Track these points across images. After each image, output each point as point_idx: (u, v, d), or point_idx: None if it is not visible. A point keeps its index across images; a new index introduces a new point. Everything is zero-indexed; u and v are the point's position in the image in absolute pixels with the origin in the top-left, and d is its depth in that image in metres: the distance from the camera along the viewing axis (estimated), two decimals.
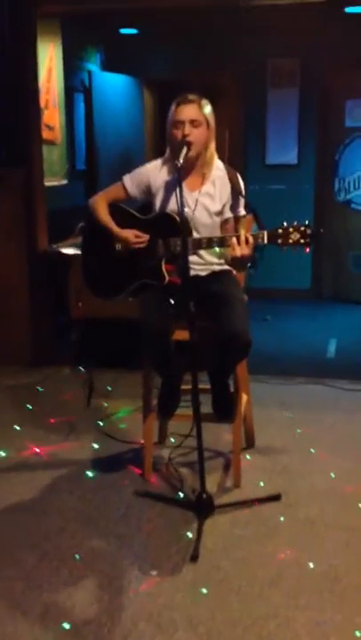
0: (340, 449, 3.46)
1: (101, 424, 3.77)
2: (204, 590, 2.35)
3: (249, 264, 3.05)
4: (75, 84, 6.08)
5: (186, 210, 2.90)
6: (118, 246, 3.03)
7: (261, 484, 3.09)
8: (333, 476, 3.17)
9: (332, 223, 6.74)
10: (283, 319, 6.19)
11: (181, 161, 2.78)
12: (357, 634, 2.14)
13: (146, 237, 2.98)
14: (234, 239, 2.77)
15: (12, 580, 2.43)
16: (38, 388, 4.37)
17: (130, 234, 2.99)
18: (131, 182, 3.05)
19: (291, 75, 6.53)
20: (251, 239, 2.76)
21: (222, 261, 3.05)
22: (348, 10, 5.46)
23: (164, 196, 2.99)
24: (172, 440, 3.42)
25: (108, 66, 6.74)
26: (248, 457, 3.33)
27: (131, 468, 3.25)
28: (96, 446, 3.51)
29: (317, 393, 4.29)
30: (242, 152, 6.86)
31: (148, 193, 3.03)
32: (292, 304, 6.64)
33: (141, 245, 2.98)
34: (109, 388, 4.28)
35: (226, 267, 3.06)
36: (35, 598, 2.32)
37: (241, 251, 2.77)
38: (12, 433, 3.69)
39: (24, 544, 2.64)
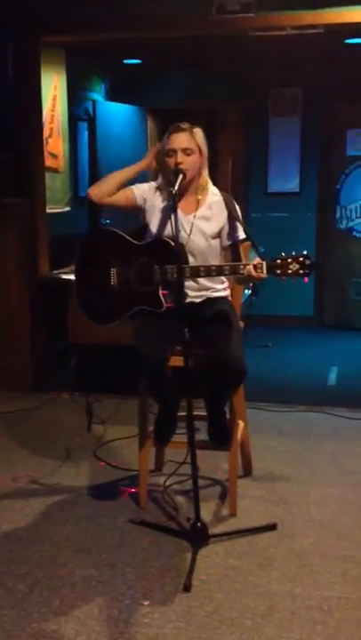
0: (339, 478, 3.43)
1: (98, 450, 3.75)
2: (196, 621, 2.31)
3: (249, 291, 3.05)
4: (79, 112, 6.16)
5: (182, 233, 2.92)
6: (113, 281, 3.02)
7: (257, 513, 3.06)
8: (331, 506, 3.14)
9: (334, 251, 6.76)
10: (284, 346, 6.18)
11: (176, 188, 2.80)
12: None
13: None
14: (249, 267, 2.78)
15: (2, 608, 2.40)
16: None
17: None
18: (138, 190, 3.07)
19: (293, 104, 6.62)
20: (254, 272, 2.77)
21: (218, 287, 3.05)
22: (349, 41, 5.54)
23: (160, 222, 3.00)
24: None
25: (112, 95, 6.83)
26: (246, 484, 3.30)
27: (126, 496, 3.22)
28: (92, 473, 3.49)
29: (317, 421, 4.26)
30: (244, 180, 6.92)
31: (143, 206, 3.04)
32: (294, 331, 6.64)
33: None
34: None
35: (222, 293, 3.06)
36: (24, 627, 2.29)
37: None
38: (8, 459, 3.68)
39: (15, 572, 2.61)
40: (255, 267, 2.77)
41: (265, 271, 2.77)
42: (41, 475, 3.47)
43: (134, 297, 2.98)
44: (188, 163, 2.90)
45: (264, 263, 2.78)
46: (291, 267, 2.77)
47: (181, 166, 2.88)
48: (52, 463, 3.60)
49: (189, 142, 2.91)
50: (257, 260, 2.79)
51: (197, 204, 3.00)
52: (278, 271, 2.78)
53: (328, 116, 6.62)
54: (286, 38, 4.64)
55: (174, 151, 2.90)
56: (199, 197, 3.00)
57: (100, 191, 3.06)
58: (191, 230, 2.96)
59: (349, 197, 6.70)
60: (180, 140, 2.90)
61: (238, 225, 3.00)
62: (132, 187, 3.10)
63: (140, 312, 2.98)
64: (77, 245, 3.15)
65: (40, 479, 3.42)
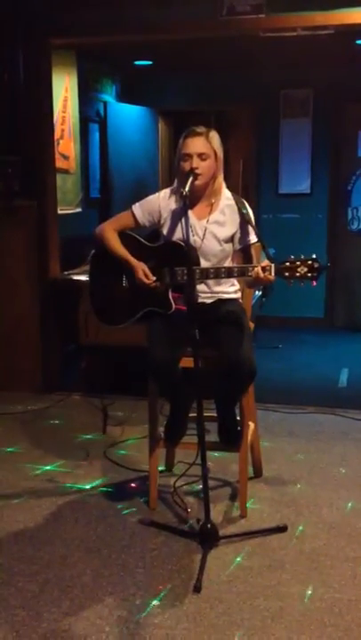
0: (350, 480, 3.42)
1: (108, 451, 3.76)
2: (206, 622, 2.31)
3: (260, 292, 3.04)
4: (90, 114, 6.18)
5: (195, 238, 2.92)
6: (125, 283, 3.03)
7: (268, 514, 3.06)
8: (341, 507, 3.13)
9: (345, 252, 6.74)
10: (295, 348, 6.17)
11: (187, 189, 2.79)
12: None
13: (152, 280, 2.96)
14: (257, 269, 2.77)
15: (13, 608, 2.41)
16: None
17: (141, 271, 2.96)
18: (141, 211, 3.06)
19: (303, 105, 6.60)
20: (261, 274, 2.77)
21: (229, 290, 3.05)
22: (360, 42, 5.52)
23: (171, 225, 3.00)
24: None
25: (123, 97, 6.85)
26: (255, 486, 3.30)
27: (136, 496, 3.23)
28: (102, 473, 3.50)
29: (328, 423, 4.24)
30: (255, 181, 6.92)
31: (158, 221, 3.04)
32: (304, 333, 6.62)
33: (146, 284, 2.94)
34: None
35: (232, 295, 3.06)
36: (35, 628, 2.30)
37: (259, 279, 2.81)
38: (19, 459, 3.69)
39: (26, 572, 2.62)
40: (263, 269, 2.77)
41: (273, 273, 2.77)
42: (51, 474, 3.48)
43: (145, 298, 2.99)
44: (203, 167, 2.89)
45: (272, 265, 2.77)
46: (299, 270, 2.76)
47: (196, 171, 2.86)
48: (61, 463, 3.61)
49: (205, 147, 2.89)
50: (265, 263, 2.79)
51: (210, 208, 2.99)
52: (286, 274, 2.77)
53: (339, 116, 6.60)
54: (297, 39, 4.63)
55: (190, 156, 2.89)
56: (212, 201, 3.00)
57: (104, 244, 3.07)
58: (205, 235, 2.95)
59: None
60: (196, 144, 2.89)
61: (250, 229, 3.00)
62: (135, 208, 3.05)
63: (150, 314, 2.99)
64: (92, 247, 3.17)
65: (50, 479, 3.43)
